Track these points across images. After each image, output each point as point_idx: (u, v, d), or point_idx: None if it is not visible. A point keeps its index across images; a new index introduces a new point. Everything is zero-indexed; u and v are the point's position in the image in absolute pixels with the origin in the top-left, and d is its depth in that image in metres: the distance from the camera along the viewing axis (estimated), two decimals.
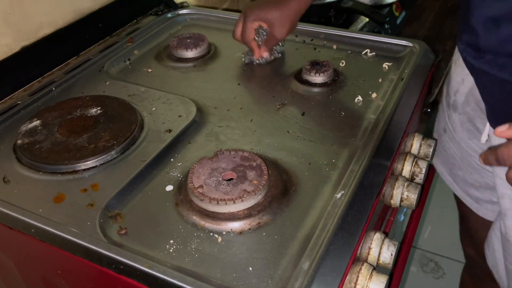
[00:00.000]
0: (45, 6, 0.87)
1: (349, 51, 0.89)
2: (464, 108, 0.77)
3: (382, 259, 0.57)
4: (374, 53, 0.87)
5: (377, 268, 0.56)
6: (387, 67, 0.83)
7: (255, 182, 0.57)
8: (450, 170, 0.87)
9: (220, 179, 0.58)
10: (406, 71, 0.79)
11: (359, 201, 0.57)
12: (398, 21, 1.23)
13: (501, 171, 0.69)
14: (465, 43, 0.67)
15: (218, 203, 0.54)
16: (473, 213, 0.88)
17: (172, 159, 0.65)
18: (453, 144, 0.83)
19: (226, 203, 0.54)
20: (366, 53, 0.87)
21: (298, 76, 0.81)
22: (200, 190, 0.56)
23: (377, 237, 0.57)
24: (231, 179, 0.58)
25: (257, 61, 0.86)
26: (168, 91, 0.79)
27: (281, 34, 0.80)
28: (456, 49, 0.78)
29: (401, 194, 0.66)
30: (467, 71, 0.71)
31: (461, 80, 0.76)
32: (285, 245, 0.52)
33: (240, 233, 0.54)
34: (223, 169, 0.59)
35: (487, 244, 0.82)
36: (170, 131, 0.69)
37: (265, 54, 0.83)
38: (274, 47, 0.86)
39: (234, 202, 0.54)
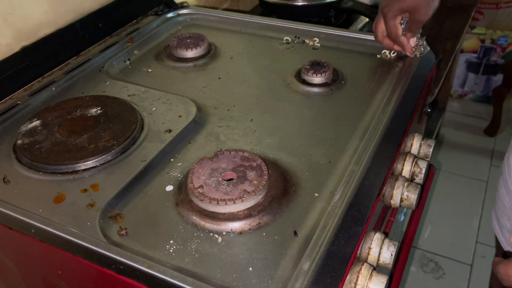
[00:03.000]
0: (45, 6, 0.86)
1: (349, 51, 0.89)
2: None
3: (382, 259, 0.57)
4: (395, 54, 0.86)
5: (377, 268, 0.55)
6: (387, 67, 0.83)
7: (255, 182, 0.57)
8: (498, 218, 0.80)
9: (220, 179, 0.58)
10: (406, 71, 0.79)
11: (359, 201, 0.57)
12: None
13: None
14: None
15: (218, 203, 0.54)
16: None
17: (172, 159, 0.65)
18: (505, 190, 0.76)
19: (226, 203, 0.54)
20: (385, 54, 0.86)
21: (298, 76, 0.81)
22: (200, 190, 0.56)
23: (377, 237, 0.57)
24: (231, 179, 0.58)
25: (413, 55, 0.82)
26: (168, 91, 0.79)
27: (426, 16, 0.76)
28: None
29: (401, 194, 0.66)
30: None
31: None
32: (285, 246, 0.52)
33: (240, 233, 0.54)
34: (223, 169, 0.59)
35: None
36: (170, 131, 0.69)
37: (413, 41, 0.80)
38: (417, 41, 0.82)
39: (234, 202, 0.54)
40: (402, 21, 0.80)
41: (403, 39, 0.79)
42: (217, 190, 0.56)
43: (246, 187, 0.56)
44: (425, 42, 0.82)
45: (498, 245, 0.84)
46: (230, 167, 0.59)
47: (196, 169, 0.59)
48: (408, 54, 0.81)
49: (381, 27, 0.79)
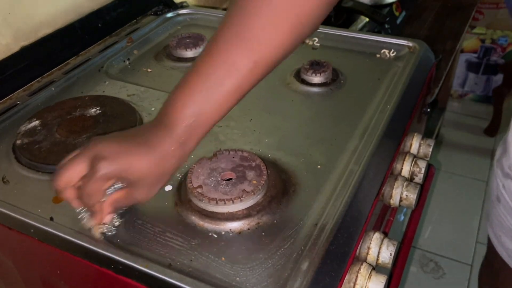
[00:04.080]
0: (45, 6, 0.87)
1: (349, 51, 0.89)
2: None
3: (381, 259, 0.57)
4: (395, 53, 0.86)
5: (377, 268, 0.55)
6: (386, 67, 0.83)
7: (254, 182, 0.56)
8: (504, 243, 0.75)
9: (219, 179, 0.57)
10: (406, 71, 0.79)
11: (358, 201, 0.56)
12: (398, 21, 1.23)
13: None
14: None
15: (217, 203, 0.54)
16: (509, 269, 0.76)
17: None
18: (511, 217, 0.70)
19: (225, 203, 0.54)
20: (384, 54, 0.86)
21: (297, 76, 0.81)
22: (199, 190, 0.56)
23: (376, 237, 0.57)
24: (230, 179, 0.58)
25: (92, 225, 0.53)
26: (168, 91, 0.78)
27: (147, 196, 0.51)
28: None
29: (401, 194, 0.66)
30: None
31: None
32: (284, 245, 0.52)
33: (239, 233, 0.54)
34: (222, 169, 0.59)
35: None
36: None
37: (108, 218, 0.53)
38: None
39: (233, 202, 0.54)
40: (113, 187, 0.50)
41: (99, 207, 0.50)
42: (216, 190, 0.56)
43: (245, 187, 0.56)
44: (116, 223, 0.54)
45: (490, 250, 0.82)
46: (229, 167, 0.59)
47: (195, 169, 0.59)
48: (91, 224, 0.52)
49: (74, 174, 0.49)
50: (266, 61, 0.50)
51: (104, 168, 0.47)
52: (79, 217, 0.53)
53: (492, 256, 0.80)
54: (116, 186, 0.50)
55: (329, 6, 0.51)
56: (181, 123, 0.49)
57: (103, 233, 0.53)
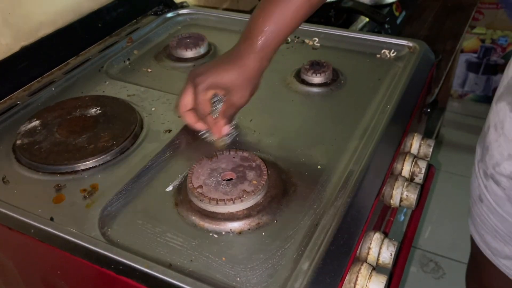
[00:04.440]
0: (45, 6, 0.87)
1: (349, 51, 0.89)
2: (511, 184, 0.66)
3: (381, 259, 0.57)
4: (395, 53, 0.85)
5: (377, 268, 0.55)
6: (386, 67, 0.83)
7: (255, 182, 0.56)
8: (488, 243, 0.75)
9: (220, 179, 0.57)
10: (406, 71, 0.79)
11: (359, 201, 0.56)
12: (398, 21, 1.23)
13: None
14: None
15: (217, 203, 0.54)
16: (493, 267, 0.76)
17: (171, 160, 0.65)
18: (494, 217, 0.71)
19: (225, 203, 0.54)
20: (384, 54, 0.86)
21: (298, 76, 0.81)
22: (199, 190, 0.55)
23: (376, 237, 0.57)
24: (231, 179, 0.58)
25: (215, 140, 0.66)
26: (168, 91, 0.79)
27: (243, 99, 0.63)
28: (499, 111, 0.68)
29: (401, 194, 0.66)
30: None
31: (507, 156, 0.65)
32: (285, 245, 0.52)
33: (240, 233, 0.54)
34: (222, 169, 0.59)
35: None
36: (169, 131, 0.69)
37: (226, 129, 0.65)
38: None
39: (233, 203, 0.54)
40: (216, 99, 0.65)
41: (211, 119, 0.64)
42: (216, 190, 0.56)
43: (246, 187, 0.56)
44: (233, 135, 0.67)
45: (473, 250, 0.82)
46: (229, 167, 0.59)
47: (196, 169, 0.59)
48: (214, 139, 0.66)
49: (186, 98, 0.64)
50: None
51: (201, 82, 0.61)
52: (203, 137, 0.67)
53: (476, 254, 0.81)
54: (218, 98, 0.64)
55: None
56: (259, 35, 0.61)
57: (224, 145, 0.66)
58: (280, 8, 0.61)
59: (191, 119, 0.66)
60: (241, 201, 0.54)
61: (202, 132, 0.67)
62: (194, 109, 0.64)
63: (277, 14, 0.61)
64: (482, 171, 0.72)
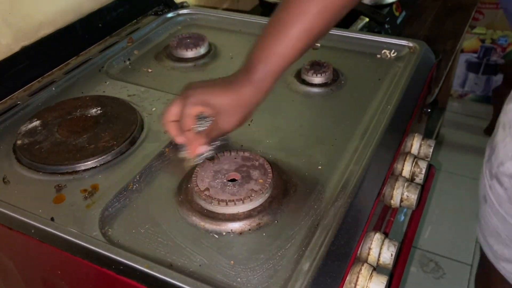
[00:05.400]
0: (45, 6, 0.86)
1: (349, 52, 0.89)
2: None
3: (382, 260, 0.57)
4: (395, 53, 0.85)
5: (377, 268, 0.55)
6: (387, 67, 0.83)
7: (261, 181, 0.57)
8: (490, 245, 0.75)
9: (225, 180, 0.58)
10: (406, 71, 0.79)
11: (359, 202, 0.56)
12: (398, 21, 1.23)
13: None
14: None
15: (227, 204, 0.54)
16: (495, 270, 0.76)
17: (172, 160, 0.65)
18: (497, 218, 0.71)
19: (235, 204, 0.54)
20: (385, 54, 0.86)
21: (298, 76, 0.81)
22: (206, 193, 0.55)
23: (377, 237, 0.57)
24: (234, 179, 0.58)
25: (186, 157, 0.65)
26: (168, 91, 0.79)
27: (229, 125, 0.61)
28: (508, 111, 0.68)
29: (401, 195, 0.66)
30: None
31: (511, 155, 0.65)
32: (285, 246, 0.52)
33: (240, 233, 0.54)
34: (226, 170, 0.59)
35: None
36: None
37: (202, 149, 0.63)
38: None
39: (243, 202, 0.54)
40: (204, 119, 0.65)
41: (191, 135, 0.62)
42: (223, 191, 0.56)
43: (253, 186, 0.56)
44: (208, 155, 0.64)
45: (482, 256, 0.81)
46: (233, 168, 0.59)
47: (199, 172, 0.59)
48: (185, 155, 0.65)
49: (174, 109, 0.62)
50: (333, 5, 0.57)
51: (192, 96, 0.60)
52: (180, 153, 0.65)
53: (482, 256, 0.80)
54: (207, 119, 0.64)
55: None
56: (257, 64, 0.59)
57: (191, 165, 0.63)
58: (277, 42, 0.58)
59: (173, 131, 0.63)
60: (251, 200, 0.54)
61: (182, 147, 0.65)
62: (178, 122, 0.62)
63: (273, 49, 0.58)
64: (488, 170, 0.71)
